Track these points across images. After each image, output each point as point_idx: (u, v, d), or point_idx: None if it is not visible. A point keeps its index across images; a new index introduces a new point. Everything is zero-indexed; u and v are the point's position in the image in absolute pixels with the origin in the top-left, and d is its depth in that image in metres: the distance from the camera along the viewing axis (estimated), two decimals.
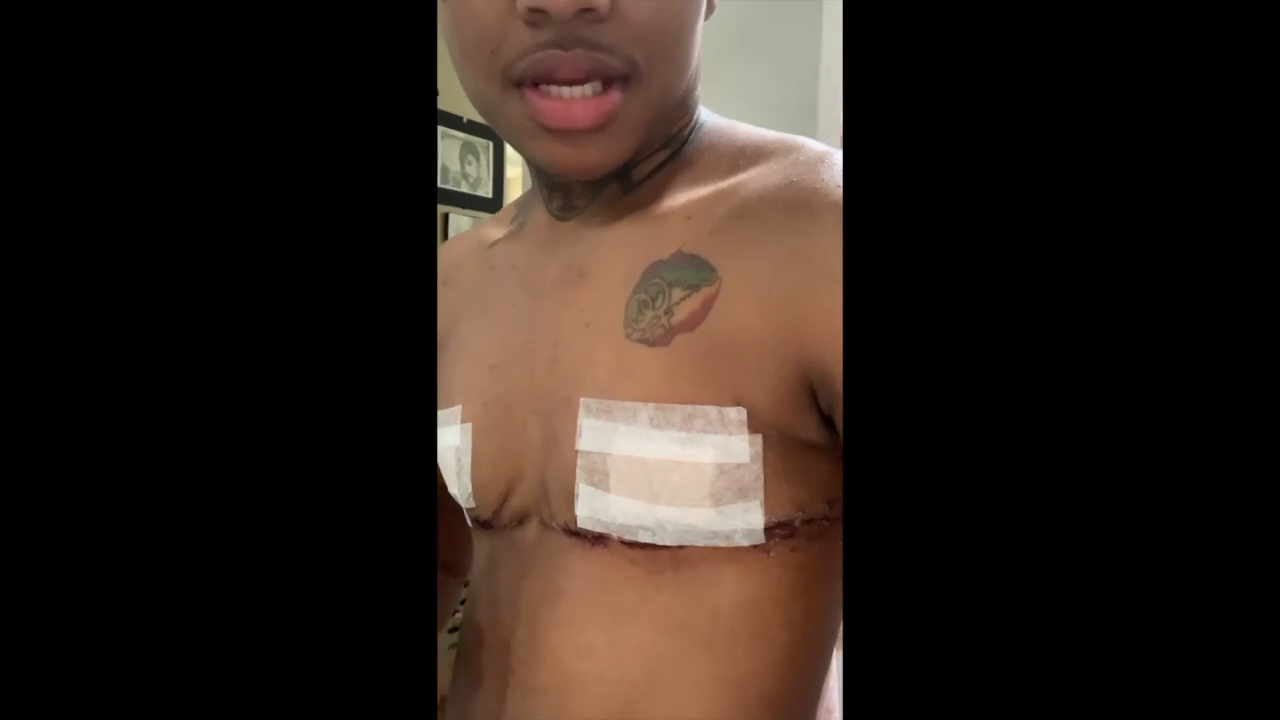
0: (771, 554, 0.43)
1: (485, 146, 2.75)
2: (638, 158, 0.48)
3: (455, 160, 2.66)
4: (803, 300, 0.40)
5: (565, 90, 0.41)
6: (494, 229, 0.60)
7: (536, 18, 0.39)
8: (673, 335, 0.43)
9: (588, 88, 0.41)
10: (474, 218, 2.61)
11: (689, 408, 0.42)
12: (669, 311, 0.44)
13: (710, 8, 0.48)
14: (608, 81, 0.41)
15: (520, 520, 0.49)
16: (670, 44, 0.42)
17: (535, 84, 0.41)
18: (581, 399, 0.45)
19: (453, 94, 2.58)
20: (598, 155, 0.44)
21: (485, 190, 2.75)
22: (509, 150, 2.84)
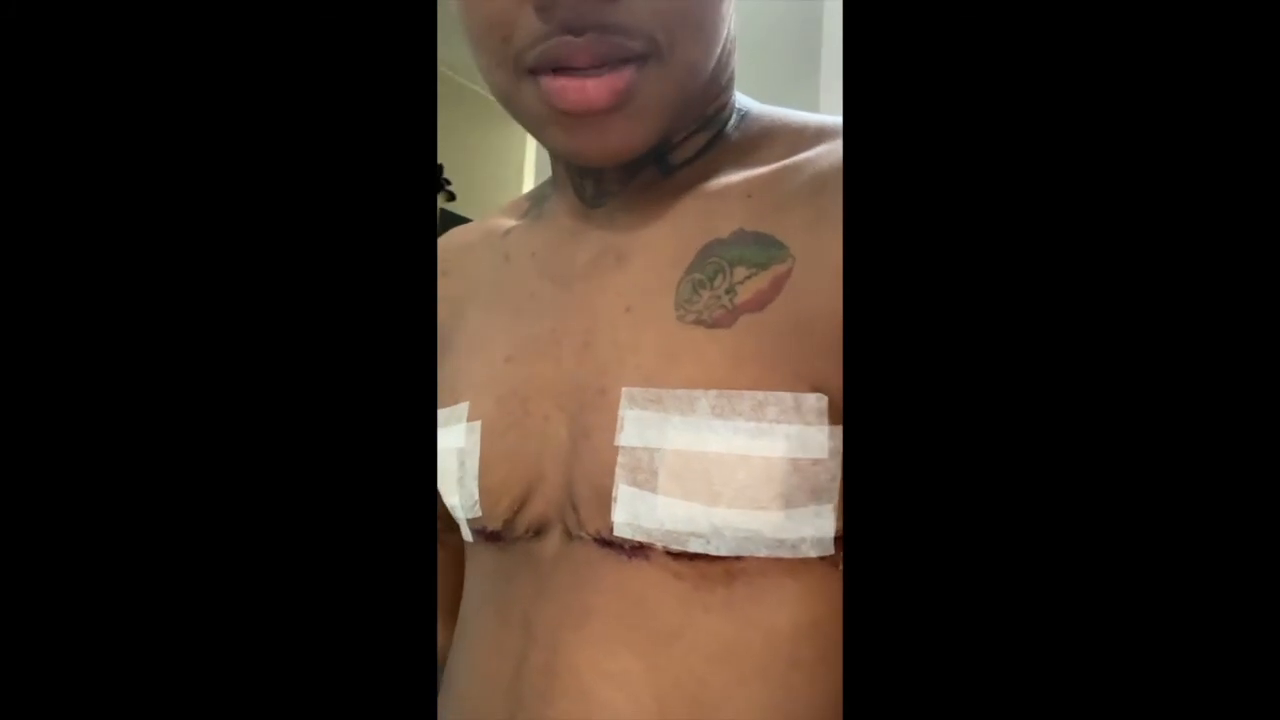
0: (839, 567, 0.38)
1: None
2: (671, 140, 0.44)
3: None
4: None
5: (580, 72, 0.39)
6: (505, 219, 0.55)
7: (545, 2, 0.37)
8: (736, 316, 0.39)
9: (604, 68, 0.38)
10: None
11: (759, 394, 0.37)
12: (731, 291, 0.39)
13: None
14: (623, 61, 0.39)
15: (538, 531, 0.43)
16: (694, 18, 0.39)
17: (551, 70, 0.39)
18: (624, 388, 0.40)
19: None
20: (620, 137, 0.40)
21: None
22: None
